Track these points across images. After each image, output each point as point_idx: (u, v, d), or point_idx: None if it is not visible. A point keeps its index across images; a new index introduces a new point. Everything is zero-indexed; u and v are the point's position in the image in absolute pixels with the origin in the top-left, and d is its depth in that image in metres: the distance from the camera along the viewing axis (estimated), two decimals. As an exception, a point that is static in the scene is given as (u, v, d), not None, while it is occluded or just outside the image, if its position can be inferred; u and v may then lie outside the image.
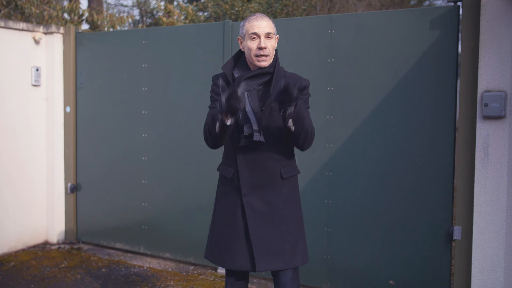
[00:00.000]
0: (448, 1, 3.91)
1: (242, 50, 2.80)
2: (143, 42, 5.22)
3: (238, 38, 2.82)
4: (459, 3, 3.85)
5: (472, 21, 3.68)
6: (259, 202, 2.75)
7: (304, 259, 2.82)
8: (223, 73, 2.81)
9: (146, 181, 5.26)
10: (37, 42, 5.55)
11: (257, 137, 2.66)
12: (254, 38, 2.67)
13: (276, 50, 2.79)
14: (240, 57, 2.84)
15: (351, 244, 4.29)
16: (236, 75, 2.76)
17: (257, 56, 2.67)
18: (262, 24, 2.67)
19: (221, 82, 2.45)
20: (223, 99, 2.37)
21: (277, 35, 2.80)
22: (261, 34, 2.66)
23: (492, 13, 3.51)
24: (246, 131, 2.67)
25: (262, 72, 2.70)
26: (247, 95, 2.68)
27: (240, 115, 2.68)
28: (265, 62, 2.69)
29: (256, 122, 2.67)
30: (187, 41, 4.98)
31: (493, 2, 3.51)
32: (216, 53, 4.79)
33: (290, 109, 2.46)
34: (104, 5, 15.08)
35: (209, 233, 2.94)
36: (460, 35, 3.90)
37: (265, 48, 2.66)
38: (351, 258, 4.29)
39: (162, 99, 5.13)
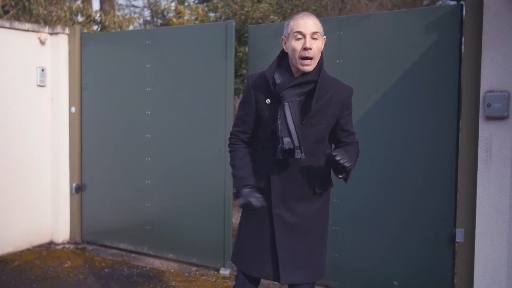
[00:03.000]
0: (451, 0, 3.86)
1: (286, 51, 2.59)
2: (147, 42, 5.22)
3: (282, 38, 2.61)
4: (462, 2, 3.80)
5: (475, 20, 3.63)
6: (289, 215, 2.64)
7: (323, 273, 2.77)
8: (263, 73, 2.61)
9: (149, 182, 5.26)
10: (42, 42, 5.57)
11: (298, 154, 2.49)
12: (299, 38, 2.46)
13: (322, 53, 2.56)
14: (283, 58, 2.63)
15: (358, 243, 4.26)
16: (277, 79, 2.55)
17: (301, 58, 2.45)
18: (308, 23, 2.45)
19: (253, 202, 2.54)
20: (240, 201, 2.54)
21: (324, 37, 2.57)
22: (307, 34, 2.44)
23: (495, 13, 3.46)
24: (286, 146, 2.48)
25: (305, 81, 2.50)
26: (288, 105, 2.48)
27: (279, 126, 2.50)
28: (309, 67, 2.47)
29: (297, 138, 2.48)
30: (191, 41, 4.97)
31: (496, 2, 3.45)
32: (219, 53, 4.78)
33: (344, 176, 2.55)
34: (116, 6, 15.16)
35: (236, 239, 2.85)
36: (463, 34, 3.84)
37: (310, 49, 2.43)
38: (358, 258, 4.27)
39: (165, 100, 5.13)
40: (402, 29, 4.04)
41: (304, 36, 2.45)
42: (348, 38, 4.27)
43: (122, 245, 5.51)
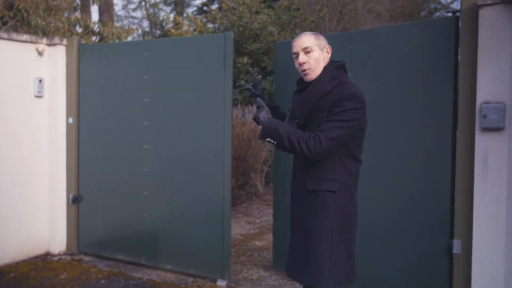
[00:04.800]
0: (447, 12, 3.88)
1: None
2: (145, 53, 5.24)
3: None
4: (458, 14, 3.82)
5: (471, 32, 3.64)
6: (294, 208, 2.88)
7: (321, 282, 2.68)
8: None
9: (147, 192, 5.25)
10: (40, 53, 5.59)
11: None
12: (295, 57, 2.86)
13: (332, 61, 2.85)
14: None
15: (359, 252, 4.25)
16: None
17: (302, 71, 2.83)
18: (297, 42, 2.83)
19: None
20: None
21: (327, 46, 2.86)
22: (299, 51, 2.82)
23: (490, 24, 3.48)
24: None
25: (302, 87, 2.87)
26: (291, 105, 2.87)
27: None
28: (309, 76, 2.81)
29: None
30: (189, 52, 4.98)
31: (491, 13, 3.47)
32: (217, 64, 4.79)
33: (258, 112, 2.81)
34: (115, 18, 15.21)
35: None
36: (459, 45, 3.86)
37: (304, 63, 2.79)
38: (359, 267, 4.25)
39: (163, 110, 5.13)
40: (403, 42, 4.10)
41: (298, 54, 2.83)
42: (358, 52, 4.36)
43: (119, 256, 5.49)
